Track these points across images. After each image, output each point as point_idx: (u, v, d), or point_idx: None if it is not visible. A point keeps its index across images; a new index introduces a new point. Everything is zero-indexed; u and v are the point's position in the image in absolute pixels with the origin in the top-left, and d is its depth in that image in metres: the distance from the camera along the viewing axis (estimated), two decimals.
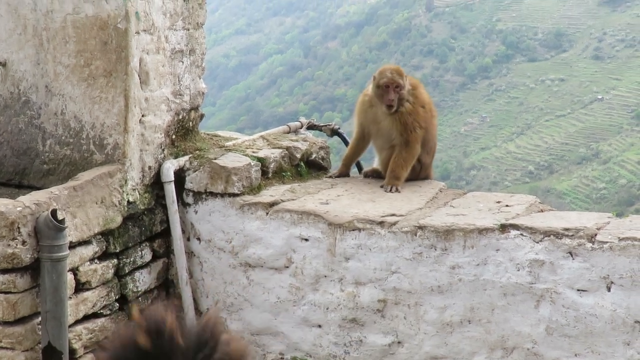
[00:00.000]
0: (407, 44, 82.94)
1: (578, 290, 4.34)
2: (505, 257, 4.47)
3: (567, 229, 4.39)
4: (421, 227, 4.63)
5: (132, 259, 4.98)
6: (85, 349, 4.67)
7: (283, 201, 5.04)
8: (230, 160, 5.18)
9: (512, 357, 4.53)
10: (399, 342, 4.75)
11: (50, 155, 5.01)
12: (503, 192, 5.40)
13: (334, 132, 6.30)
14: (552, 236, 4.39)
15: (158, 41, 5.02)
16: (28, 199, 4.34)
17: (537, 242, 4.41)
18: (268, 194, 5.15)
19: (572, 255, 4.34)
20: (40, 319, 4.35)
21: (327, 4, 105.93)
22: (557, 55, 78.45)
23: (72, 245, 4.49)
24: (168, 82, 5.14)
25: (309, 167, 5.69)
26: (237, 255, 5.09)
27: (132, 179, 4.92)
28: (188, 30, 5.26)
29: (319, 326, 4.93)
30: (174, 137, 5.24)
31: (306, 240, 4.88)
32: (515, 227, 4.49)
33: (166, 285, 5.30)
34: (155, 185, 5.10)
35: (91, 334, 4.70)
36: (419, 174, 5.47)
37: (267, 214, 4.99)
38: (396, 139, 5.32)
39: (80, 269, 4.62)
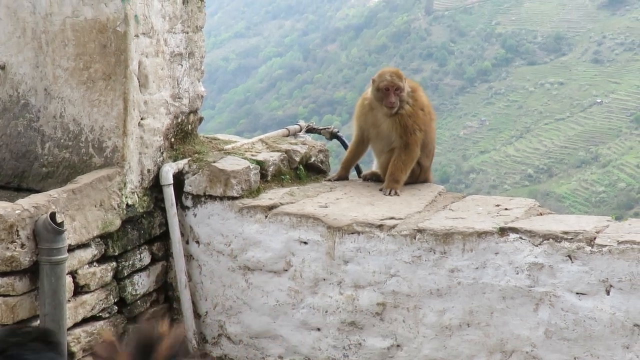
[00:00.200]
0: (406, 47, 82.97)
1: (577, 293, 4.34)
2: (504, 260, 4.46)
3: (566, 233, 4.39)
4: (420, 231, 4.63)
5: (131, 262, 4.98)
6: (84, 352, 4.66)
7: (282, 204, 5.04)
8: (229, 164, 5.18)
9: None
10: (398, 346, 4.75)
11: (49, 158, 5.01)
12: (502, 196, 5.40)
13: (333, 136, 6.30)
14: (551, 239, 4.39)
15: (157, 44, 5.02)
16: (27, 202, 4.34)
17: (536, 246, 4.41)
18: (267, 197, 5.15)
19: (571, 259, 4.34)
20: (39, 322, 4.35)
21: (326, 7, 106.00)
22: (557, 59, 78.49)
23: (71, 248, 4.48)
24: (167, 85, 5.14)
25: (308, 170, 5.69)
26: (236, 259, 5.09)
27: (131, 182, 4.92)
28: (187, 33, 5.27)
29: (318, 329, 4.93)
30: (173, 140, 5.24)
31: (305, 243, 4.88)
32: (514, 230, 4.49)
33: (165, 289, 5.30)
34: (154, 188, 5.10)
35: (90, 337, 4.70)
36: (418, 177, 5.47)
37: (266, 217, 4.99)
38: (396, 142, 5.32)
39: (79, 272, 4.62)
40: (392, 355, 4.77)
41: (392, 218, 4.80)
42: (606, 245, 4.27)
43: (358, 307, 4.79)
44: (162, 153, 5.15)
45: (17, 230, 4.21)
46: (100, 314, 4.78)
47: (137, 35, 4.85)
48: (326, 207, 4.99)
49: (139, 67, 4.89)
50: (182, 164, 5.19)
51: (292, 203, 5.07)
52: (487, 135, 71.72)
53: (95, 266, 4.72)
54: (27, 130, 5.07)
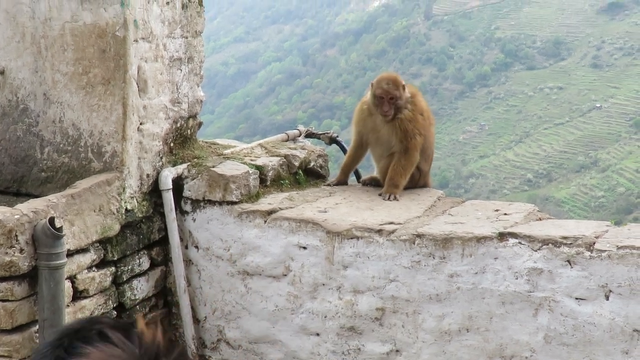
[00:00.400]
0: (405, 52, 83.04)
1: (576, 298, 4.34)
2: (503, 265, 4.46)
3: (565, 238, 4.39)
4: (419, 236, 4.63)
5: (130, 267, 4.98)
6: None
7: (281, 209, 5.04)
8: (228, 168, 5.17)
9: None
10: (397, 351, 4.75)
11: (48, 163, 5.00)
12: (501, 200, 5.40)
13: (333, 140, 6.30)
14: (550, 244, 4.39)
15: (156, 49, 5.02)
16: (26, 207, 4.34)
17: (536, 251, 4.41)
18: (266, 202, 5.14)
19: (570, 264, 4.33)
20: (37, 327, 4.34)
21: (325, 11, 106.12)
22: (556, 64, 78.57)
23: (70, 253, 4.48)
24: (166, 90, 5.14)
25: (307, 175, 5.69)
26: (235, 263, 5.09)
27: (130, 187, 4.92)
28: (186, 38, 5.27)
29: (317, 334, 4.92)
30: (172, 145, 5.24)
31: (304, 248, 4.88)
32: (513, 235, 4.49)
33: (164, 294, 5.29)
34: (154, 193, 5.10)
35: None
36: (417, 182, 5.48)
37: (265, 222, 4.99)
38: (395, 147, 5.32)
39: (78, 277, 4.61)
40: None
41: (391, 223, 4.80)
42: (605, 250, 4.27)
43: (357, 312, 4.79)
44: (161, 158, 5.15)
45: (16, 235, 4.21)
46: None
47: (136, 40, 4.85)
48: (325, 212, 4.99)
49: (138, 72, 4.89)
50: (181, 168, 5.18)
51: (291, 208, 5.06)
52: (486, 140, 71.76)
53: (94, 271, 4.72)
54: (26, 135, 5.07)
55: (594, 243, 4.34)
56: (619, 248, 4.26)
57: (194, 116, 5.41)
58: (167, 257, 5.23)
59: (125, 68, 4.80)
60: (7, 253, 4.19)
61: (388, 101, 5.25)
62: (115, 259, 4.86)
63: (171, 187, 5.08)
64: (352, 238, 4.75)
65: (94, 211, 4.66)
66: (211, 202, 5.12)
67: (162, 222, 5.15)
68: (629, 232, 4.48)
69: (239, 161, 5.31)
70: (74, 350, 1.70)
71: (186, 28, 5.25)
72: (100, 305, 4.76)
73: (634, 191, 57.00)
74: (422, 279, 4.63)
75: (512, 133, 71.06)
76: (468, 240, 4.53)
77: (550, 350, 4.41)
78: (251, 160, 5.39)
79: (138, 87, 4.90)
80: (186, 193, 5.18)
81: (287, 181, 5.49)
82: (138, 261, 5.04)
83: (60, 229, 4.27)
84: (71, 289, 4.56)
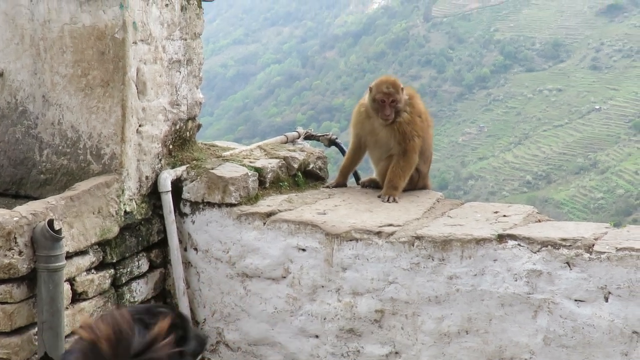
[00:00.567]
0: (404, 54, 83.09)
1: (576, 300, 4.33)
2: (502, 267, 4.46)
3: (564, 239, 4.39)
4: (419, 238, 4.63)
5: (129, 269, 4.97)
6: None
7: (280, 211, 5.04)
8: (227, 170, 5.17)
9: None
10: (396, 353, 4.74)
11: (47, 165, 5.00)
12: (501, 202, 5.40)
13: (332, 142, 6.30)
14: (549, 246, 4.39)
15: (155, 51, 5.02)
16: (25, 209, 4.33)
17: (535, 253, 4.41)
18: (265, 204, 5.14)
19: (569, 266, 4.33)
20: (36, 329, 4.34)
21: (324, 13, 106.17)
22: (555, 66, 78.63)
23: (69, 256, 4.48)
24: (165, 92, 5.14)
25: (307, 177, 5.69)
26: (234, 266, 5.08)
27: (129, 189, 4.91)
28: (185, 40, 5.27)
29: (316, 336, 4.92)
30: (171, 147, 5.24)
31: (303, 250, 4.88)
32: (512, 237, 4.48)
33: (163, 296, 5.29)
34: (153, 195, 5.10)
35: None
36: (416, 184, 5.47)
37: (264, 224, 4.99)
38: (394, 149, 5.32)
39: (77, 279, 4.61)
40: None
41: (390, 225, 4.80)
42: (605, 252, 4.27)
43: (356, 314, 4.79)
44: (160, 160, 5.15)
45: (15, 238, 4.21)
46: None
47: (135, 42, 4.85)
48: (324, 214, 4.99)
49: (137, 74, 4.89)
50: (180, 170, 5.18)
51: (290, 210, 5.06)
52: (485, 142, 71.80)
53: (93, 273, 4.72)
54: (25, 137, 5.07)
55: (593, 245, 4.34)
56: (618, 250, 4.26)
57: (193, 118, 5.41)
58: (166, 259, 5.23)
59: (124, 70, 4.80)
60: (6, 255, 4.19)
61: (389, 105, 5.25)
62: (114, 261, 4.86)
63: (170, 189, 5.08)
64: (351, 240, 4.75)
65: (93, 213, 4.66)
66: (210, 204, 5.12)
67: (161, 224, 5.15)
68: (628, 234, 4.48)
69: (238, 163, 5.31)
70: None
71: (185, 30, 5.25)
72: (99, 307, 4.76)
73: (633, 193, 57.04)
74: (421, 280, 4.63)
75: (511, 135, 71.11)
76: (467, 242, 4.53)
77: (549, 352, 4.41)
78: (250, 162, 5.38)
79: (137, 89, 4.90)
80: (185, 195, 5.17)
81: (286, 183, 5.49)
82: (137, 263, 5.04)
83: (59, 231, 4.27)
84: (70, 291, 4.56)
